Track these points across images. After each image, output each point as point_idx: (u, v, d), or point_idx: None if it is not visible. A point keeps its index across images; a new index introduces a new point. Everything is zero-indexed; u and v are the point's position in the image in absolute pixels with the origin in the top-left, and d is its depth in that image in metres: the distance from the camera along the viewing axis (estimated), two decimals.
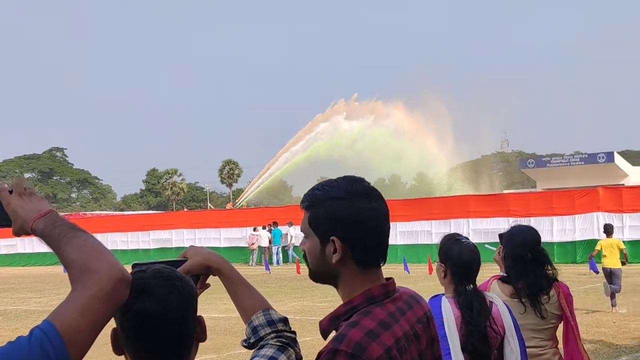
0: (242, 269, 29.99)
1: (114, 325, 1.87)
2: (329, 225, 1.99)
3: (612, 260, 15.64)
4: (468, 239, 4.10)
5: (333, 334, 1.95)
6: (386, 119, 75.82)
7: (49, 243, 1.76)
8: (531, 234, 4.73)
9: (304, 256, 2.10)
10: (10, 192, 1.86)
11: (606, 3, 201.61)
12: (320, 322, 2.03)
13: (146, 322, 1.82)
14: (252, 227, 35.08)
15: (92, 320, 1.63)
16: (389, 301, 2.01)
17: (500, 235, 4.84)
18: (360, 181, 2.06)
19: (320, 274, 2.05)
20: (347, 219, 1.98)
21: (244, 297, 2.20)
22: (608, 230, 16.58)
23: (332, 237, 1.98)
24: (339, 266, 1.99)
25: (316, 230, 2.02)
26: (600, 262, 16.01)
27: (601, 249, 16.03)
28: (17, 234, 1.87)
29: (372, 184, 2.09)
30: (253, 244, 34.77)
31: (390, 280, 2.08)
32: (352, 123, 74.25)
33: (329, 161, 79.12)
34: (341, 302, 2.03)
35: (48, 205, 1.83)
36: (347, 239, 1.97)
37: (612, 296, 15.22)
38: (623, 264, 15.96)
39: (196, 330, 1.94)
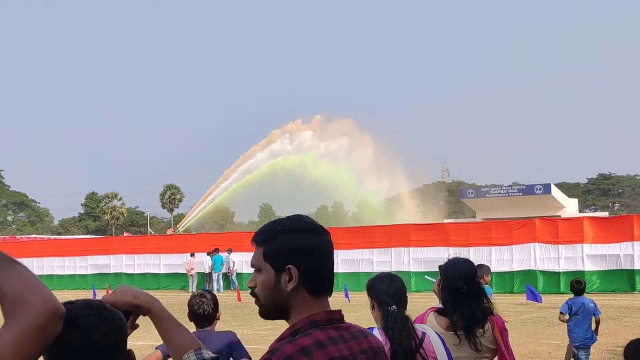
0: (182, 296, 29.27)
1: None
2: (286, 256, 2.16)
3: None
4: (389, 274, 4.30)
5: None
6: (328, 145, 76.18)
7: None
8: (468, 266, 4.78)
9: (253, 293, 2.24)
10: None
11: (546, 37, 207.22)
12: (270, 348, 2.13)
13: (74, 353, 1.80)
14: (190, 253, 34.71)
15: (25, 353, 1.63)
16: (332, 328, 2.16)
17: (440, 267, 4.91)
18: (308, 218, 2.27)
19: (273, 307, 2.20)
20: (302, 250, 2.17)
21: (175, 336, 2.17)
22: None
23: (288, 266, 2.15)
24: (293, 294, 2.15)
25: (272, 262, 2.18)
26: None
27: None
28: None
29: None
30: (192, 269, 34.38)
31: (337, 310, 2.24)
32: (293, 149, 74.41)
33: (271, 188, 79.16)
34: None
35: None
36: (302, 268, 2.15)
37: None
38: None
39: None
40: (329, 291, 2.23)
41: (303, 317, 2.14)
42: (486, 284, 9.45)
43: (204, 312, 5.36)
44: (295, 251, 2.16)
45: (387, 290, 4.07)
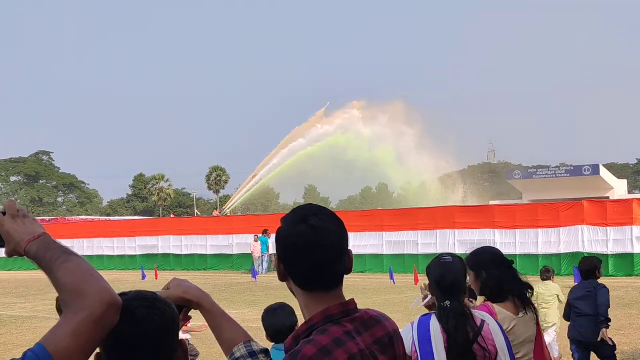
0: (229, 276, 29.21)
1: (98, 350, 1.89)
2: (277, 245, 2.15)
3: None
4: (450, 257, 4.04)
5: None
6: (373, 126, 75.70)
7: (41, 266, 1.80)
8: (495, 249, 4.80)
9: None
10: (4, 213, 1.88)
11: (592, 19, 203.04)
12: (285, 343, 2.12)
13: (127, 342, 1.85)
14: (254, 238, 33.65)
15: (83, 343, 1.68)
16: (347, 320, 2.07)
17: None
18: (308, 205, 2.16)
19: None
20: (280, 242, 2.12)
21: (225, 329, 2.23)
22: None
23: (278, 256, 2.14)
24: (286, 283, 2.13)
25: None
26: None
27: None
28: (10, 255, 1.89)
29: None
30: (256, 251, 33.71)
31: (350, 300, 2.13)
32: (338, 131, 74.08)
33: (316, 169, 79.18)
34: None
35: (41, 228, 1.86)
36: (283, 261, 2.11)
37: None
38: None
39: (178, 353, 1.98)
40: (338, 281, 2.10)
41: (318, 312, 2.05)
42: None
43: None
44: (279, 243, 2.13)
45: (440, 283, 3.91)
